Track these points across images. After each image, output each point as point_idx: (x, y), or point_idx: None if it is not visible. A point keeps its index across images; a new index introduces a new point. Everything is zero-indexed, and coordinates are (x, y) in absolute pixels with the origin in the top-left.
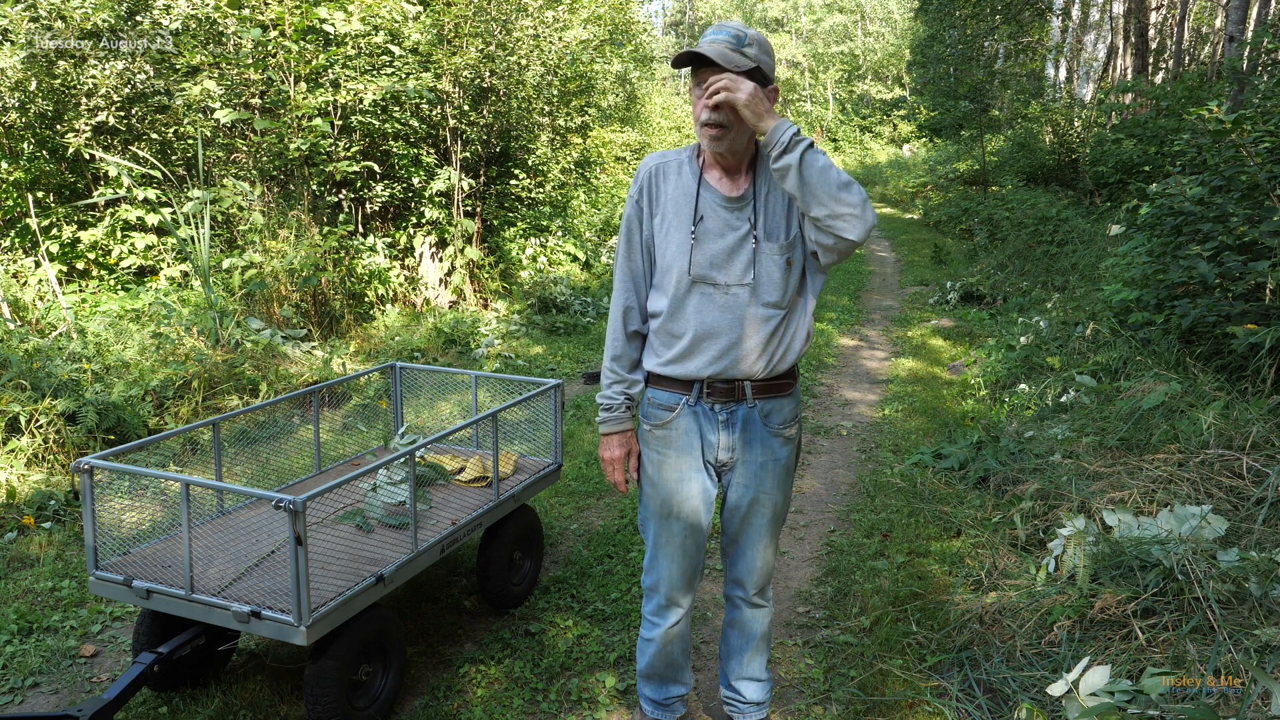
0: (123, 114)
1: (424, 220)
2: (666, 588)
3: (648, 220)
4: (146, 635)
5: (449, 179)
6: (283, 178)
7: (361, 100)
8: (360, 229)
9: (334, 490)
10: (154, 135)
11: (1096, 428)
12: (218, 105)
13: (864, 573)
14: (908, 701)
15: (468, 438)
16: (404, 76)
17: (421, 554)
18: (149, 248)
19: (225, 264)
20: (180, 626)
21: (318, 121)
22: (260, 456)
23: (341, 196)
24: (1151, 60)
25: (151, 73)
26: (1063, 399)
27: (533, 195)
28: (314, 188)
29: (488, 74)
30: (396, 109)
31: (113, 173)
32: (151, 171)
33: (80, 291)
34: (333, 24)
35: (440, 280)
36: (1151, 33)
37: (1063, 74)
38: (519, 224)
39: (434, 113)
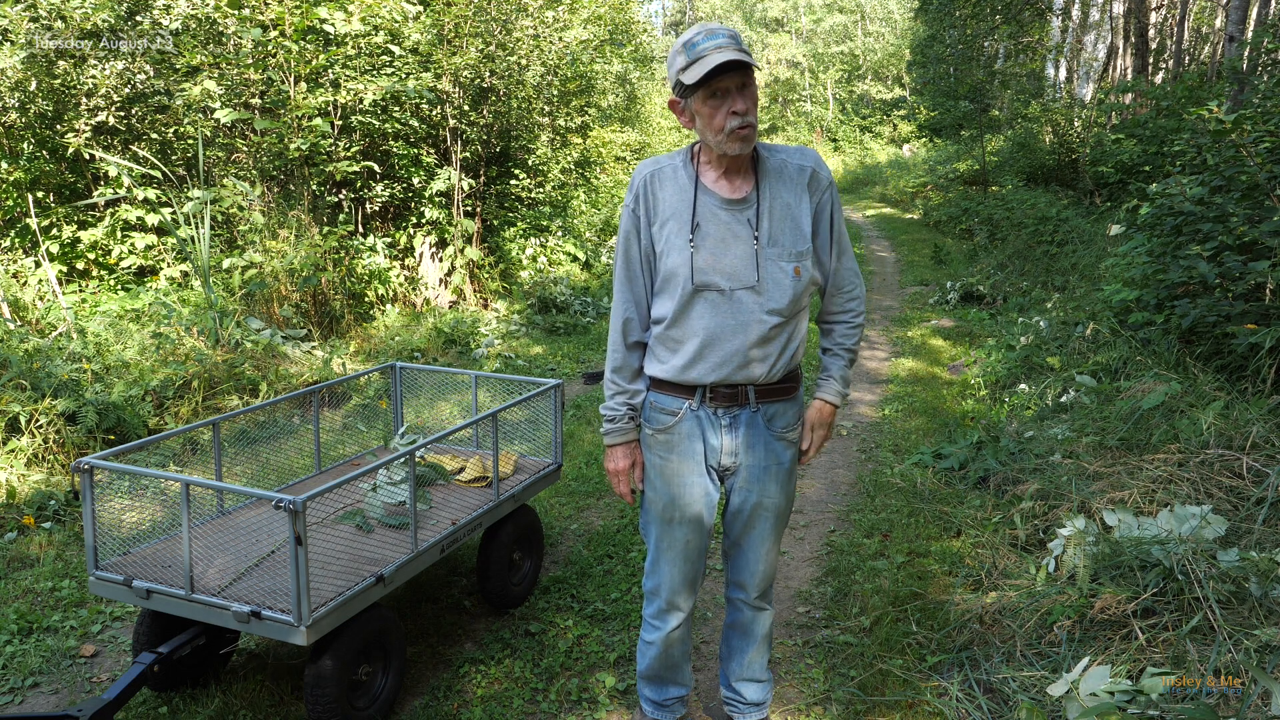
0: (123, 114)
1: (424, 220)
2: (668, 591)
3: (645, 229)
4: (146, 635)
5: (449, 179)
6: (283, 178)
7: (361, 100)
8: (360, 229)
9: (334, 490)
10: (154, 135)
11: (1096, 428)
12: (218, 105)
13: (864, 573)
14: (908, 701)
15: (468, 438)
16: (404, 76)
17: (421, 554)
18: (149, 248)
19: (225, 264)
20: (180, 626)
21: (318, 121)
22: (260, 456)
23: (341, 196)
24: (1151, 60)
25: (151, 73)
26: (1063, 399)
27: (533, 195)
28: (314, 188)
29: (488, 74)
30: (396, 109)
31: (113, 173)
32: (151, 171)
33: (80, 291)
34: (333, 24)
35: (440, 280)
36: (1151, 33)
37: (1063, 74)
38: (519, 224)
39: (434, 113)
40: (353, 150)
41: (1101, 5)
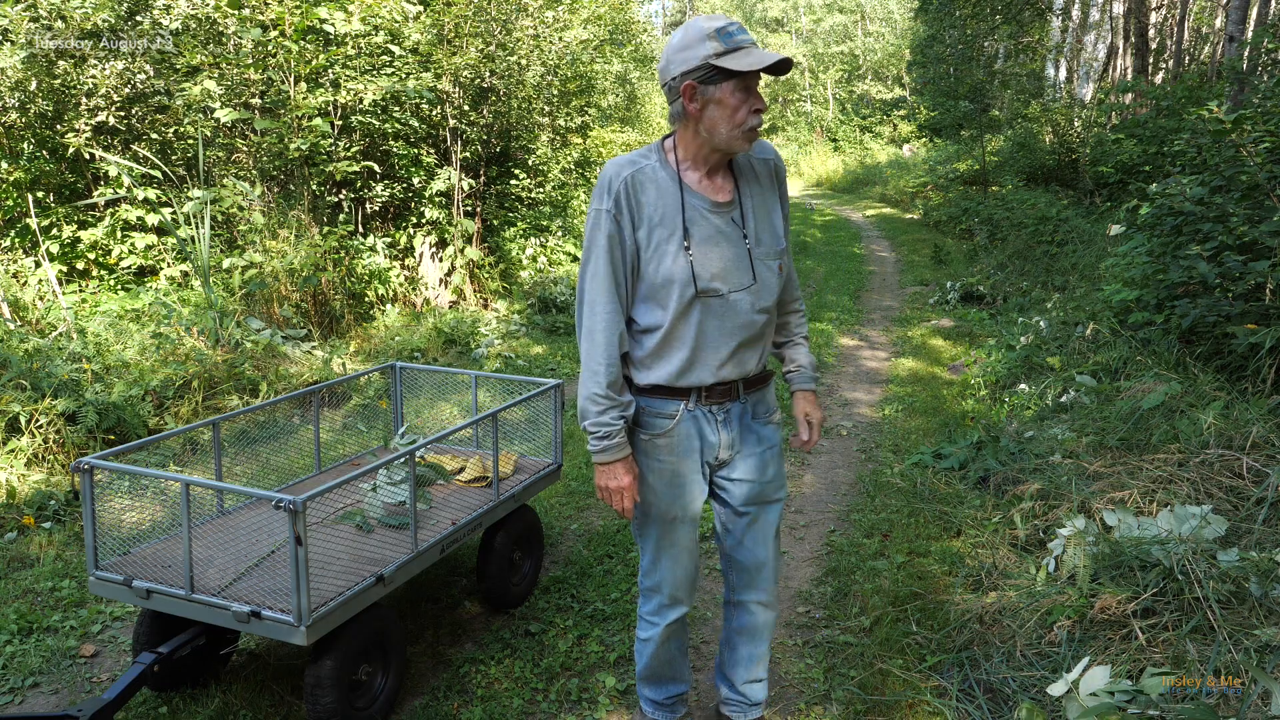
0: (123, 114)
1: (424, 220)
2: (671, 587)
3: (629, 234)
4: (146, 635)
5: (449, 179)
6: (283, 178)
7: (361, 100)
8: (360, 229)
9: (334, 490)
10: (154, 135)
11: (1096, 428)
12: (218, 105)
13: (864, 573)
14: (908, 701)
15: (468, 438)
16: (404, 76)
17: (421, 554)
18: (149, 248)
19: (225, 264)
20: (180, 626)
21: (318, 121)
22: (260, 456)
23: (341, 196)
24: (1151, 60)
25: (151, 73)
26: (1063, 399)
27: (533, 195)
28: (314, 188)
29: (488, 74)
30: (396, 109)
31: (113, 173)
32: (152, 171)
33: (80, 291)
34: (333, 24)
35: (440, 280)
36: (1151, 33)
37: (1063, 74)
38: (519, 224)
39: (434, 113)
40: (353, 150)
41: (1101, 5)
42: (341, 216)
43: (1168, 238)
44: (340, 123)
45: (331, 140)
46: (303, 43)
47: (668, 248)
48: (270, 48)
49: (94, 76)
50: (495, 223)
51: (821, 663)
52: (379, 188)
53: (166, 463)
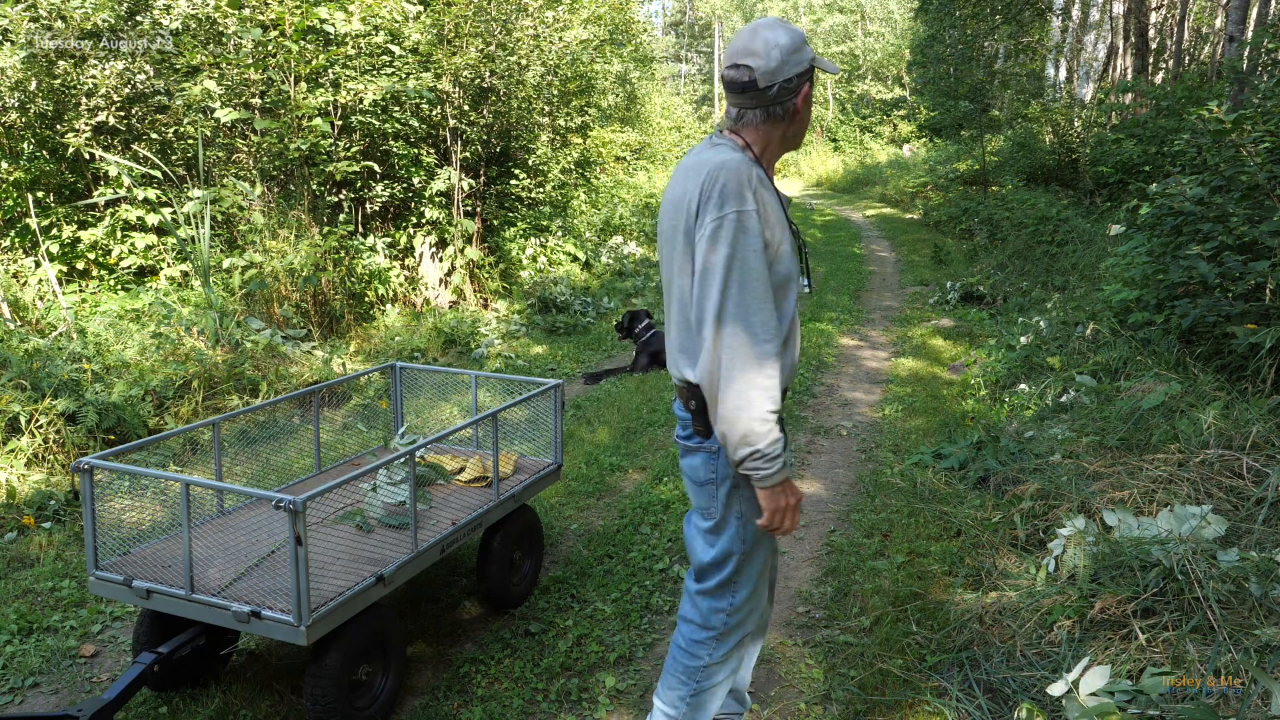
0: (123, 114)
1: (424, 220)
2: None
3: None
4: (146, 635)
5: (449, 179)
6: (283, 178)
7: (361, 100)
8: (360, 229)
9: (334, 490)
10: (154, 135)
11: (1096, 428)
12: (218, 105)
13: (864, 573)
14: (908, 701)
15: (468, 438)
16: (404, 76)
17: (421, 554)
18: (149, 248)
19: (225, 264)
20: (180, 626)
21: (318, 121)
22: (260, 456)
23: (341, 196)
24: (1151, 60)
25: (151, 73)
26: (1063, 399)
27: (533, 195)
28: (314, 188)
29: (488, 74)
30: (396, 109)
31: (113, 173)
32: (152, 171)
33: (80, 291)
34: (333, 24)
35: (440, 280)
36: (1151, 33)
37: (1063, 74)
38: (519, 224)
39: (434, 113)
40: (353, 150)
41: (1101, 5)
42: (341, 216)
43: (1168, 238)
44: (340, 123)
45: (331, 140)
46: (303, 43)
47: (785, 247)
48: (270, 48)
49: (94, 77)
50: (495, 223)
51: (821, 663)
52: (379, 188)
53: (166, 463)
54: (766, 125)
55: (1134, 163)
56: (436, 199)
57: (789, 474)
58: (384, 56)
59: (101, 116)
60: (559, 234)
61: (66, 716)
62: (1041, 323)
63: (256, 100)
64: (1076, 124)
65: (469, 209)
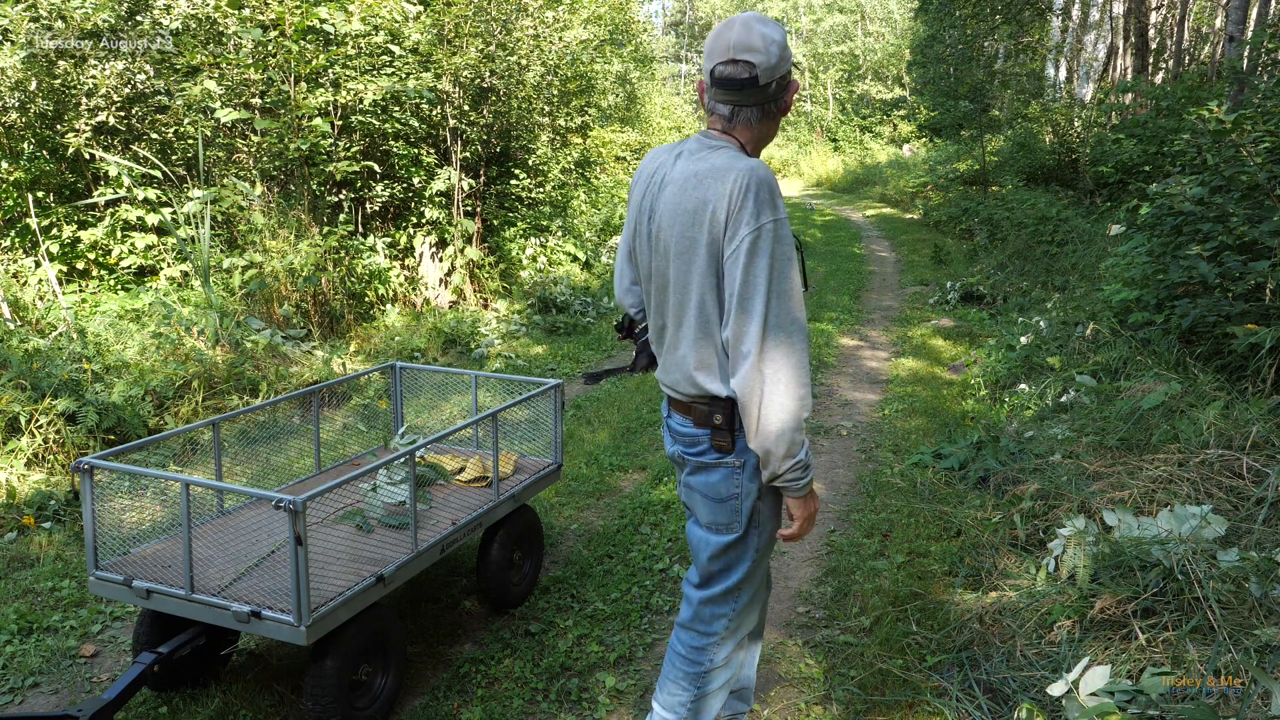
0: (123, 114)
1: (424, 220)
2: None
3: None
4: (146, 635)
5: (449, 179)
6: (283, 178)
7: (361, 100)
8: (360, 229)
9: (334, 490)
10: (154, 135)
11: (1096, 428)
12: (218, 105)
13: (864, 573)
14: (908, 701)
15: (468, 438)
16: (404, 76)
17: (421, 554)
18: (149, 248)
19: (225, 264)
20: (180, 626)
21: (318, 121)
22: (260, 456)
23: (341, 196)
24: (1151, 60)
25: (152, 72)
26: (1063, 399)
27: (533, 195)
28: (314, 188)
29: (488, 74)
30: (397, 109)
31: (113, 173)
32: (152, 171)
33: (80, 291)
34: (334, 24)
35: (440, 280)
36: (1151, 33)
37: (1063, 74)
38: (519, 224)
39: (434, 113)
40: (353, 150)
41: (1101, 5)
42: (342, 216)
43: (1168, 238)
44: (340, 123)
45: (331, 140)
46: (303, 43)
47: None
48: (270, 48)
49: (94, 76)
50: (495, 223)
51: (821, 663)
52: (379, 188)
53: (166, 463)
54: (761, 124)
55: (1134, 163)
56: (436, 199)
57: (811, 479)
58: (384, 56)
59: (101, 116)
60: (559, 234)
61: (66, 716)
62: (1041, 323)
63: (257, 100)
64: (1076, 124)
65: (469, 209)
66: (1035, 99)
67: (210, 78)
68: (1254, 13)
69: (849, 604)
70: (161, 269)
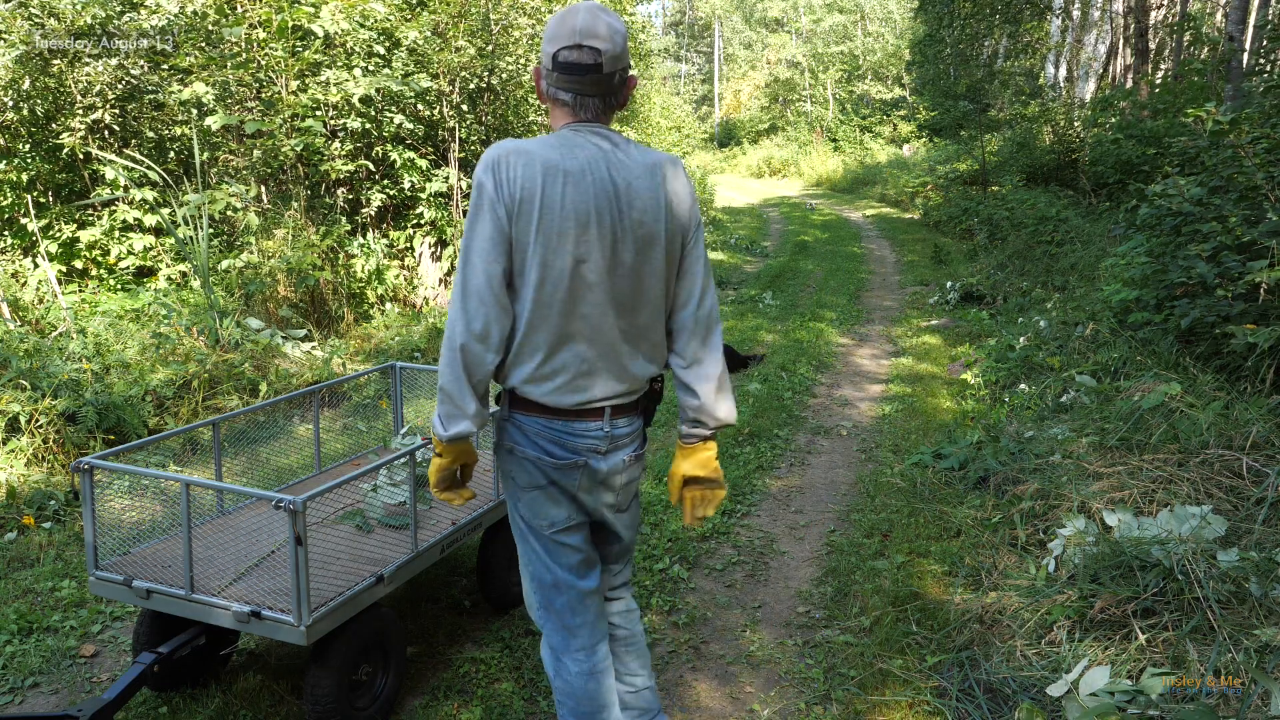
0: (118, 111)
1: (423, 220)
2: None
3: None
4: (146, 635)
5: (447, 179)
6: (278, 178)
7: (351, 98)
8: (358, 229)
9: (334, 490)
10: (149, 133)
11: (1096, 428)
12: (210, 106)
13: (864, 573)
14: (908, 701)
15: None
16: (403, 77)
17: (421, 554)
18: (148, 249)
19: (223, 264)
20: (180, 626)
21: (310, 122)
22: (260, 456)
23: (338, 196)
24: (1151, 59)
25: (146, 68)
26: (1062, 399)
27: None
28: (308, 188)
29: (485, 73)
30: (393, 109)
31: (109, 174)
32: (148, 172)
33: (80, 291)
34: (321, 25)
35: (440, 280)
36: (1151, 32)
37: (1063, 73)
38: None
39: (431, 113)
40: (346, 150)
41: (1101, 4)
42: (340, 216)
43: (1167, 238)
44: (334, 123)
45: (325, 139)
46: (290, 41)
47: None
48: (256, 46)
49: (88, 74)
50: None
51: (821, 663)
52: (376, 189)
53: (166, 463)
54: (605, 116)
55: (1133, 163)
56: (435, 199)
57: None
58: (375, 59)
59: (97, 114)
60: None
61: (66, 716)
62: (1041, 323)
63: (253, 102)
64: (1076, 124)
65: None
66: (1034, 99)
67: (200, 79)
68: (1254, 13)
69: (849, 604)
70: (160, 269)
